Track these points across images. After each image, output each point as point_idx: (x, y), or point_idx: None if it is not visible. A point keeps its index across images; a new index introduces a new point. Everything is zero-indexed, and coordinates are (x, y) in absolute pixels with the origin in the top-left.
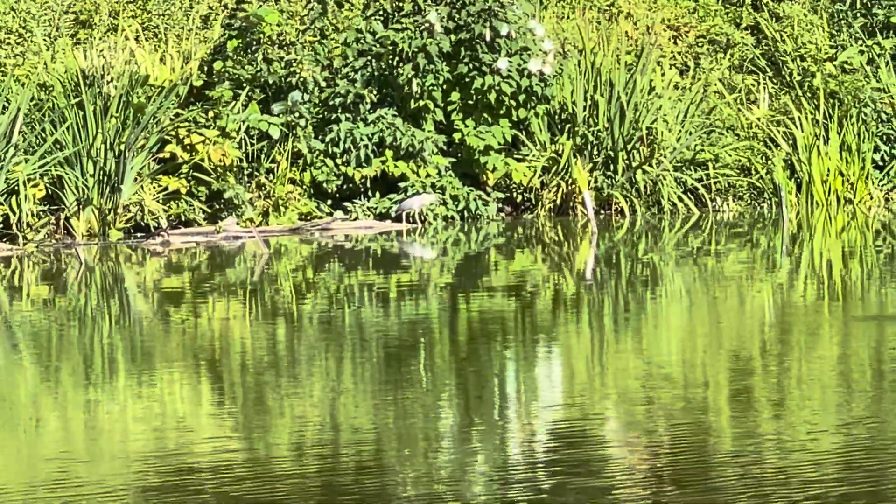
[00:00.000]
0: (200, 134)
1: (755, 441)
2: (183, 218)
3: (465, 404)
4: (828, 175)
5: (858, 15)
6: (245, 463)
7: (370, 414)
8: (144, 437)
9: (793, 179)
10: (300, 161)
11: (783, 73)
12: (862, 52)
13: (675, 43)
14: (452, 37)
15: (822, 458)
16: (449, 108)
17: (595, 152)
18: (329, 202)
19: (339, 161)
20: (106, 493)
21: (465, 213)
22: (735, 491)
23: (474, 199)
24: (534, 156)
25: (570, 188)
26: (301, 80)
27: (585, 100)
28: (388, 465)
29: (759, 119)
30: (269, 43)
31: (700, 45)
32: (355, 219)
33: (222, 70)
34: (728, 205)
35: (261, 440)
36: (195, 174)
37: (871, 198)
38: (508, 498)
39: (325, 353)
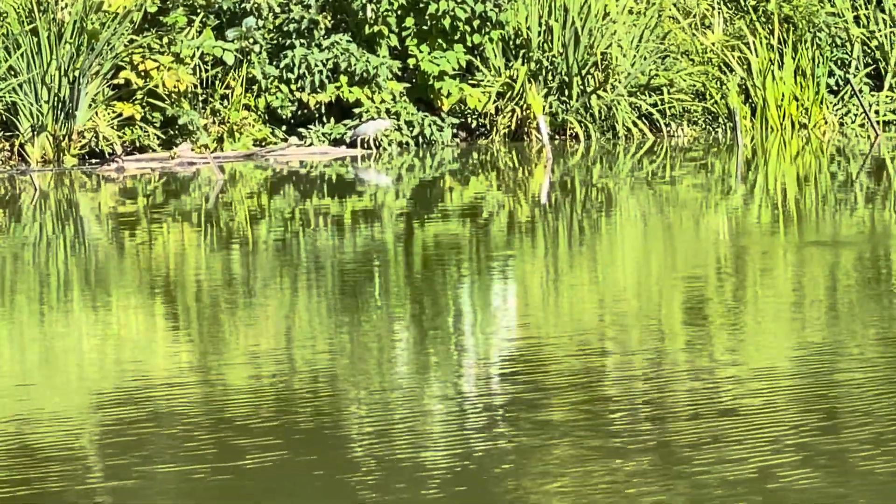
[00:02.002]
0: (155, 60)
1: (711, 362)
2: (138, 144)
3: (421, 327)
4: (782, 100)
5: None
6: (200, 386)
7: (326, 338)
8: (100, 362)
9: (747, 104)
10: (254, 87)
11: None
12: None
13: None
14: None
15: (776, 376)
16: (403, 34)
17: (550, 78)
18: (284, 128)
19: (293, 87)
20: (60, 418)
21: (420, 139)
22: (689, 409)
23: (429, 125)
24: (488, 81)
25: (524, 113)
26: (255, 5)
27: (540, 25)
28: (345, 387)
29: (713, 44)
30: None
31: None
32: (310, 144)
33: None
34: (683, 130)
35: (216, 365)
36: (150, 100)
37: (826, 122)
38: (465, 416)
39: (281, 279)
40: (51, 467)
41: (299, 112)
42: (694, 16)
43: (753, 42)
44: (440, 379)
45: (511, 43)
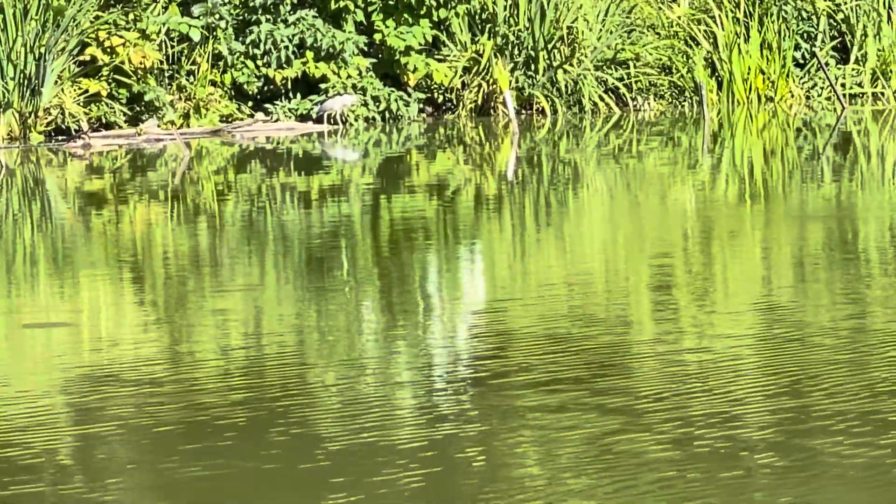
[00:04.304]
0: (121, 36)
1: (677, 333)
2: (104, 120)
3: (389, 302)
4: (748, 73)
5: None
6: (169, 366)
7: (294, 316)
8: (68, 342)
9: (714, 78)
10: (221, 63)
11: None
12: None
13: None
14: None
15: (744, 352)
16: (369, 9)
17: (516, 52)
18: (250, 104)
19: (259, 62)
20: (28, 400)
21: (387, 114)
22: (657, 380)
23: (395, 100)
24: (455, 56)
25: (491, 88)
26: None
27: None
28: (312, 366)
29: (679, 17)
30: None
31: None
32: (276, 120)
33: None
34: (649, 104)
35: (184, 343)
36: (116, 77)
37: (792, 96)
38: (434, 392)
39: (248, 256)
40: (15, 442)
41: (265, 88)
42: None
43: (719, 15)
44: (410, 353)
45: (477, 17)
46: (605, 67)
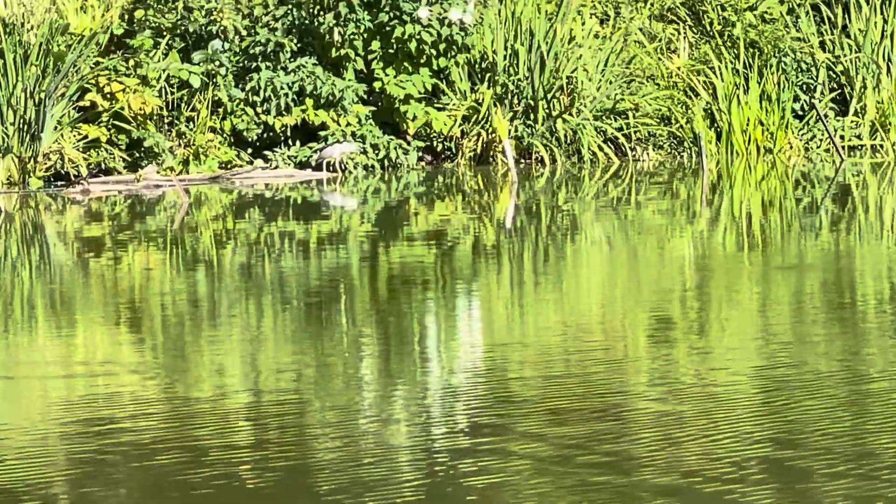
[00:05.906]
0: (121, 82)
1: (674, 383)
2: (103, 166)
3: (386, 353)
4: (748, 124)
5: None
6: (166, 411)
7: (291, 363)
8: (65, 384)
9: (713, 129)
10: (220, 109)
11: (703, 22)
12: (782, 2)
13: None
14: None
15: (741, 401)
16: (370, 57)
17: (515, 101)
18: (249, 151)
19: (259, 109)
20: (26, 440)
21: (386, 162)
22: (654, 429)
23: (395, 148)
24: (454, 105)
25: (490, 137)
26: (221, 28)
27: (506, 49)
28: (311, 415)
29: (679, 68)
30: None
31: None
32: (276, 167)
33: (143, 18)
34: (648, 154)
35: (181, 389)
36: (115, 122)
37: (791, 147)
38: (432, 443)
39: (246, 303)
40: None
41: (265, 135)
42: (659, 40)
43: (719, 66)
44: (411, 408)
45: (477, 67)
46: (604, 117)
